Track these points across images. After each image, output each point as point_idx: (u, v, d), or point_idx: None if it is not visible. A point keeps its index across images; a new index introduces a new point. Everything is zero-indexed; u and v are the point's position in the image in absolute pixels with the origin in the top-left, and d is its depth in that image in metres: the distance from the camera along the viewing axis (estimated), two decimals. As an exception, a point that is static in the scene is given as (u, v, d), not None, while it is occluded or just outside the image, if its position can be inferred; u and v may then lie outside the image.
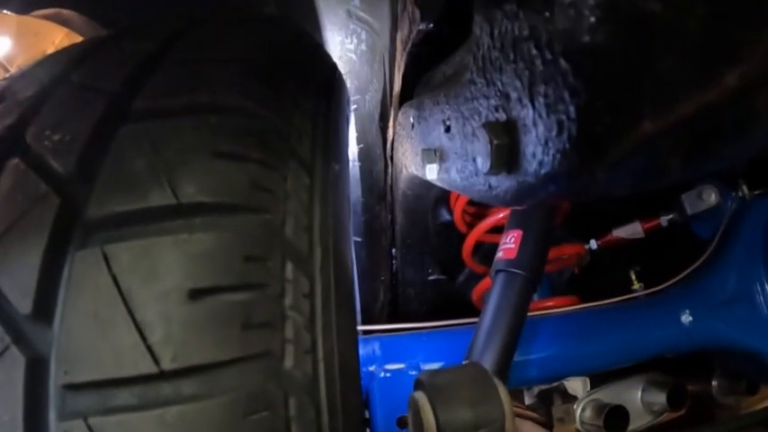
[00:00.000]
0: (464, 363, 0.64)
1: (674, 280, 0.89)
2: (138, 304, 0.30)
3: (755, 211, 0.90)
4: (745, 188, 0.92)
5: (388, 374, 0.80)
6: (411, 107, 0.72)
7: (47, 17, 0.87)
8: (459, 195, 0.94)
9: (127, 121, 0.40)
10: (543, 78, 0.31)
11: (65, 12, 0.86)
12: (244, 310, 0.32)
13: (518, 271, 0.72)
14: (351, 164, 1.00)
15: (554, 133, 0.31)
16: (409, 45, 0.69)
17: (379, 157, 0.99)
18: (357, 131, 0.98)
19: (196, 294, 0.31)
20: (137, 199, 0.33)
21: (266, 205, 0.37)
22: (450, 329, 0.86)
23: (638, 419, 0.92)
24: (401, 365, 0.81)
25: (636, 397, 0.93)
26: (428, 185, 0.87)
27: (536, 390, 0.89)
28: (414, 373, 0.81)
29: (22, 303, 0.31)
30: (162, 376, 0.29)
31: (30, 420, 0.30)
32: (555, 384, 0.87)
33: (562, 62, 0.28)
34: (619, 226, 0.97)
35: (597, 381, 0.88)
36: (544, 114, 0.32)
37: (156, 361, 0.29)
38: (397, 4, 0.72)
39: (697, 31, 0.23)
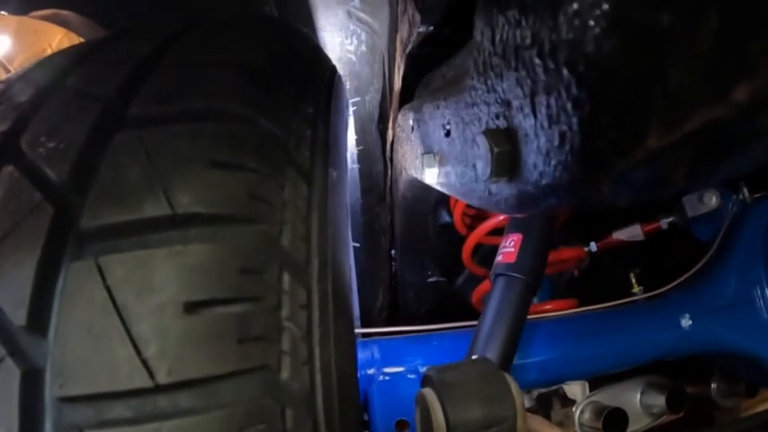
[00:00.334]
0: (473, 358, 0.62)
1: (674, 283, 0.89)
2: (133, 317, 0.30)
3: (756, 215, 0.90)
4: (745, 191, 0.92)
5: (387, 378, 0.80)
6: (411, 109, 0.72)
7: (45, 17, 0.86)
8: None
9: (122, 128, 0.39)
10: (545, 88, 0.31)
11: (63, 12, 0.85)
12: (240, 322, 0.31)
13: (518, 275, 0.72)
14: (349, 166, 1.00)
15: (556, 144, 0.30)
16: (409, 47, 0.68)
17: (378, 159, 0.98)
18: (357, 133, 0.97)
19: (192, 307, 0.30)
20: (131, 209, 0.33)
21: (263, 216, 0.36)
22: (450, 332, 0.86)
23: (637, 422, 0.92)
24: (400, 369, 0.80)
25: (635, 399, 0.93)
26: (428, 188, 0.87)
27: (535, 393, 0.88)
28: (413, 376, 0.80)
29: (17, 315, 0.31)
30: (158, 390, 0.29)
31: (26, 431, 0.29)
32: (554, 388, 0.86)
33: (565, 72, 0.28)
34: (619, 228, 0.96)
35: (596, 384, 0.88)
36: (546, 125, 0.31)
37: (151, 375, 0.28)
38: (397, 5, 0.72)
39: (708, 44, 0.23)
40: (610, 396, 0.91)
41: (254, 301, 0.32)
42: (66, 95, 0.45)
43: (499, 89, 0.40)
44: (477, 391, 0.38)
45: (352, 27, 0.88)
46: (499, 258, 0.75)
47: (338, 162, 0.49)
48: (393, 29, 0.75)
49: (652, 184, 0.33)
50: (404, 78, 0.77)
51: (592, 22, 0.27)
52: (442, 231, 1.01)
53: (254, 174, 0.38)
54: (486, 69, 0.43)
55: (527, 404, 0.92)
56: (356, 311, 1.04)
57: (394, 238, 1.04)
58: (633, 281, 0.97)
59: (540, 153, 0.33)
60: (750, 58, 0.23)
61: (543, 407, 0.89)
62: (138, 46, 0.49)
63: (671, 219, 0.94)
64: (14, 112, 0.44)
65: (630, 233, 0.96)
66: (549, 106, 0.31)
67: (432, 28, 0.62)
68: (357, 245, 1.04)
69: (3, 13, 0.90)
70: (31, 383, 0.30)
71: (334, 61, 0.66)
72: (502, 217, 0.87)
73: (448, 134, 0.56)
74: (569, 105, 0.28)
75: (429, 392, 0.39)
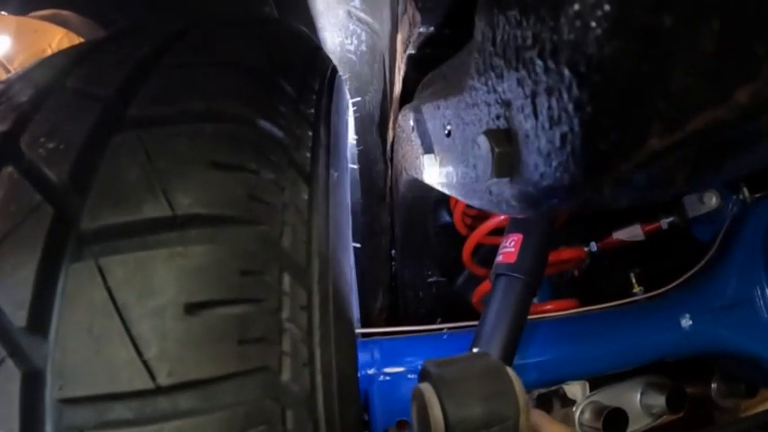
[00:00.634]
0: (474, 352, 0.60)
1: (674, 284, 0.89)
2: (133, 318, 0.30)
3: (756, 215, 0.89)
4: (746, 191, 0.92)
5: (387, 378, 0.80)
6: (411, 110, 0.72)
7: (45, 18, 0.86)
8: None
9: (121, 128, 0.39)
10: (546, 89, 0.31)
11: (63, 12, 0.85)
12: (240, 324, 0.31)
13: (518, 275, 0.72)
14: (350, 166, 1.00)
15: (557, 146, 0.30)
16: (409, 47, 0.68)
17: (378, 159, 0.98)
18: (357, 133, 0.97)
19: (192, 309, 0.30)
20: (131, 210, 0.33)
21: (263, 217, 0.36)
22: (450, 332, 0.86)
23: (637, 422, 0.92)
24: (400, 369, 0.80)
25: (635, 399, 0.93)
26: (428, 188, 0.87)
27: (535, 393, 0.88)
28: (413, 376, 0.80)
29: (17, 316, 0.31)
30: (158, 391, 0.29)
31: (26, 432, 0.29)
32: (554, 388, 0.86)
33: (566, 73, 0.28)
34: (619, 228, 0.96)
35: (596, 384, 0.88)
36: (547, 126, 0.31)
37: (152, 376, 0.28)
38: (397, 5, 0.72)
39: (710, 45, 0.23)
40: (610, 396, 0.91)
41: (255, 303, 0.32)
42: (66, 96, 0.45)
43: (500, 90, 0.40)
44: (479, 388, 0.36)
45: (352, 27, 0.88)
46: (499, 258, 0.75)
47: (339, 163, 0.49)
48: (393, 29, 0.75)
49: (654, 186, 0.33)
50: (404, 79, 0.77)
51: (593, 23, 0.27)
52: (443, 231, 1.01)
53: (254, 175, 0.38)
54: (487, 70, 0.43)
55: (527, 404, 0.91)
56: (356, 312, 1.04)
57: (394, 239, 1.04)
58: (633, 281, 0.97)
59: (540, 154, 0.33)
60: (752, 60, 0.23)
61: (543, 407, 0.89)
62: (138, 47, 0.49)
63: (671, 219, 0.94)
64: (14, 112, 0.44)
65: (631, 233, 0.96)
66: (550, 107, 0.31)
67: (432, 28, 0.62)
68: (357, 245, 1.04)
69: (2, 13, 0.90)
70: (32, 385, 0.30)
71: (335, 61, 0.65)
72: (502, 217, 0.87)
73: (448, 134, 0.56)
74: (570, 106, 0.28)
75: (427, 388, 0.36)
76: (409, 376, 0.80)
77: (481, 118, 0.45)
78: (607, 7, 0.25)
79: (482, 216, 0.96)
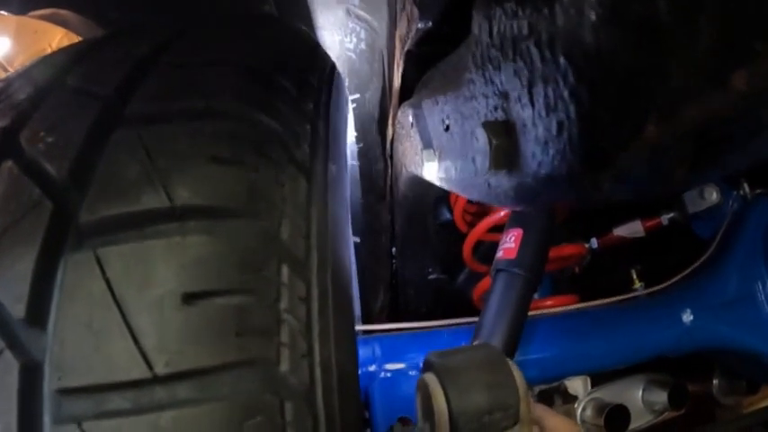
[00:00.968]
0: (475, 343, 0.61)
1: (675, 279, 0.89)
2: (131, 309, 0.30)
3: (757, 211, 0.89)
4: (746, 187, 0.92)
5: (388, 374, 0.80)
6: (410, 106, 0.72)
7: (44, 17, 0.87)
8: (459, 194, 0.93)
9: (121, 125, 0.40)
10: (543, 77, 0.31)
11: (62, 12, 0.86)
12: (238, 314, 0.31)
13: (518, 271, 0.72)
14: (350, 164, 1.00)
15: (554, 133, 0.30)
16: (408, 43, 0.68)
17: (378, 157, 0.98)
18: (356, 131, 0.97)
19: (190, 299, 0.30)
20: (130, 202, 0.33)
21: (262, 211, 0.36)
22: (451, 329, 0.86)
23: (639, 419, 0.92)
24: (401, 365, 0.80)
25: (637, 396, 0.93)
26: (428, 184, 0.87)
27: (536, 390, 0.88)
28: (414, 373, 0.80)
29: (16, 308, 0.31)
30: (156, 381, 0.29)
31: (24, 425, 0.29)
32: (555, 384, 0.86)
33: (562, 61, 0.28)
34: (619, 225, 0.96)
35: (598, 381, 0.88)
36: (544, 113, 0.31)
37: (149, 366, 0.28)
38: (395, 1, 0.72)
39: (705, 34, 0.23)
40: (612, 393, 0.90)
41: (253, 294, 0.32)
42: (66, 94, 0.45)
43: (497, 81, 0.40)
44: (481, 377, 0.36)
45: (351, 25, 0.88)
46: (500, 254, 0.75)
47: (338, 158, 0.49)
48: (392, 26, 0.75)
49: (653, 180, 0.33)
50: (403, 76, 0.77)
51: (588, 12, 0.27)
52: (443, 229, 1.01)
53: (253, 170, 0.38)
54: (485, 62, 0.43)
55: (528, 401, 0.91)
56: (357, 311, 1.04)
57: (394, 237, 1.04)
58: (635, 277, 0.97)
59: (538, 143, 0.33)
60: (748, 48, 0.23)
61: (545, 403, 0.89)
62: (137, 45, 0.49)
63: (672, 215, 0.94)
64: (14, 109, 0.44)
65: (631, 229, 0.95)
66: (546, 96, 0.31)
67: (430, 24, 0.63)
68: (357, 240, 1.04)
69: (2, 12, 0.90)
70: (30, 377, 0.30)
71: (334, 60, 0.66)
72: (502, 213, 0.87)
73: (447, 129, 0.56)
74: (566, 94, 0.28)
75: (431, 378, 0.37)
76: (410, 373, 0.80)
77: (479, 111, 0.45)
78: (602, -6, 0.26)
79: (482, 213, 0.96)
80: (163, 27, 0.52)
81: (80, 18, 0.86)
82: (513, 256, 0.73)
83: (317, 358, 0.36)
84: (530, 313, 0.79)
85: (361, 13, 0.85)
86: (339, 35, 0.89)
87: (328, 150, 0.46)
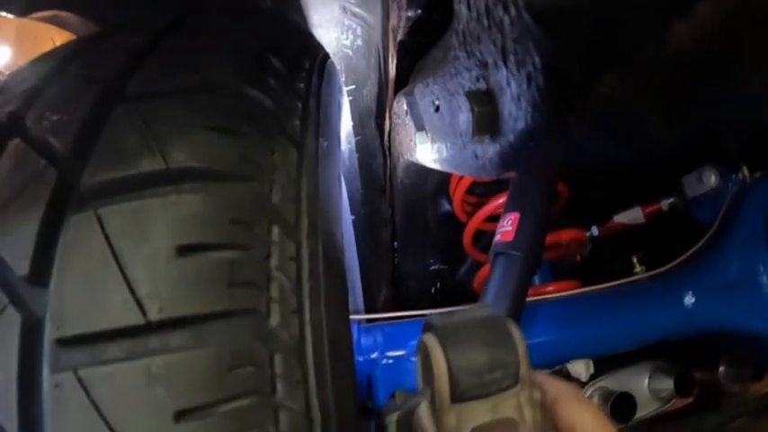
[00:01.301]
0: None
1: (676, 262, 0.89)
2: (128, 262, 0.32)
3: (756, 194, 0.89)
4: (745, 170, 0.92)
5: (390, 361, 0.81)
6: (404, 94, 0.74)
7: (44, 19, 0.89)
8: (458, 184, 0.95)
9: (121, 102, 0.42)
10: (512, 37, 0.32)
11: (63, 14, 0.88)
12: (229, 267, 0.33)
13: (516, 253, 0.73)
14: (349, 160, 1.02)
15: (524, 87, 0.32)
16: (400, 33, 0.71)
17: (377, 151, 1.00)
18: (355, 125, 0.99)
19: (183, 251, 0.32)
20: (129, 166, 0.35)
21: (253, 174, 0.38)
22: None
23: (646, 407, 0.91)
24: (403, 352, 0.81)
25: (643, 384, 0.92)
26: (425, 174, 0.88)
27: (539, 376, 0.88)
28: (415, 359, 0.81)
29: (19, 266, 0.33)
30: (149, 328, 0.30)
31: (24, 376, 0.31)
32: (557, 368, 0.86)
33: (525, 16, 0.29)
34: (619, 212, 0.97)
35: (601, 366, 0.87)
36: (515, 71, 0.33)
37: (143, 312, 0.30)
38: (388, -4, 0.74)
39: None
40: (617, 381, 0.90)
41: (244, 249, 0.34)
42: (68, 80, 0.48)
43: (477, 53, 0.42)
44: (480, 334, 0.36)
45: (347, 22, 0.91)
46: (497, 238, 0.76)
47: (329, 134, 0.51)
48: (385, 19, 0.77)
49: (629, 128, 0.34)
50: (397, 67, 0.79)
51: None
52: (443, 219, 1.03)
53: (245, 137, 0.40)
54: (466, 36, 0.45)
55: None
56: (361, 305, 1.05)
57: (395, 230, 1.05)
58: (636, 263, 0.97)
59: (513, 99, 0.34)
60: None
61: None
62: (137, 35, 0.52)
63: (671, 200, 0.94)
64: (19, 97, 0.47)
65: (631, 216, 0.96)
66: (516, 53, 0.32)
67: (419, 11, 0.65)
68: (358, 240, 1.05)
69: (3, 14, 0.93)
70: (31, 331, 0.32)
71: (332, 56, 0.68)
72: (501, 201, 0.88)
73: (437, 110, 0.58)
74: (531, 45, 0.29)
75: (429, 338, 0.36)
76: (412, 359, 0.81)
77: (464, 84, 0.47)
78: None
79: (482, 203, 0.97)
80: (161, 17, 0.55)
81: (80, 20, 0.89)
82: (510, 238, 0.74)
83: (307, 316, 0.37)
84: (531, 298, 0.80)
85: (357, 9, 0.88)
86: (335, 32, 0.91)
87: (319, 126, 0.48)
